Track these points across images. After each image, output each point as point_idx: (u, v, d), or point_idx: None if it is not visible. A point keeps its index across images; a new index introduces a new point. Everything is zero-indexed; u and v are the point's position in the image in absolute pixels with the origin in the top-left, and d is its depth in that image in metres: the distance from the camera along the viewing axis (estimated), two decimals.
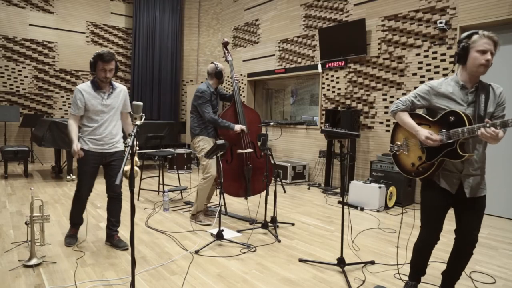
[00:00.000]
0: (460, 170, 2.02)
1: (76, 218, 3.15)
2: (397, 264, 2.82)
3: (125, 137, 3.17)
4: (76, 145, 2.82)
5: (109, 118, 2.99)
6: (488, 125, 1.80)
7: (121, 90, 3.08)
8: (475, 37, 1.94)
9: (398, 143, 2.25)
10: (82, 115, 2.95)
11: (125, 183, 3.00)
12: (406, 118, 2.15)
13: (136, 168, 2.72)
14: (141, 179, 5.15)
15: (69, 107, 8.32)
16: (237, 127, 3.71)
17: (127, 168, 2.73)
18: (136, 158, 2.80)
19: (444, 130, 1.99)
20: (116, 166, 3.03)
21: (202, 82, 3.85)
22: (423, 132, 2.03)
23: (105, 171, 3.08)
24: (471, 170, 2.00)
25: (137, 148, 3.03)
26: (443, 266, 2.33)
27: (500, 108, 1.99)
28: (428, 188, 2.13)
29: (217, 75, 3.79)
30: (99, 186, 3.12)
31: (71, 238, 3.11)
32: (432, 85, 2.09)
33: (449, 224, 2.26)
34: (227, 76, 8.38)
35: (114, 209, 3.12)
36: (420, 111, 2.19)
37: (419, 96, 2.13)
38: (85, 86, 2.93)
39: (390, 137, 2.35)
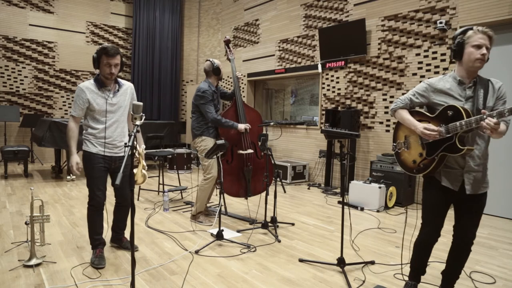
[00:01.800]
0: (462, 166, 2.02)
1: (97, 235, 2.77)
2: (394, 264, 2.82)
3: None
4: (75, 159, 2.62)
5: (116, 119, 2.75)
6: (484, 116, 1.81)
7: (128, 87, 2.84)
8: (469, 32, 1.95)
9: (400, 141, 2.26)
10: (84, 115, 2.72)
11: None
12: (405, 115, 2.18)
13: (144, 172, 2.64)
14: None
15: (69, 107, 8.32)
16: (241, 126, 3.71)
17: (135, 171, 2.71)
18: (143, 162, 2.68)
19: (443, 125, 2.00)
20: (126, 173, 2.78)
21: (204, 80, 3.83)
22: (420, 125, 2.06)
23: (112, 178, 2.81)
24: (473, 165, 2.00)
25: (143, 150, 2.93)
26: (443, 266, 2.33)
27: (500, 101, 2.00)
28: (429, 186, 2.14)
29: (215, 71, 3.76)
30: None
31: (100, 259, 2.69)
32: (430, 82, 2.11)
33: (449, 224, 2.26)
34: (228, 76, 8.38)
35: (122, 216, 2.97)
36: (421, 109, 2.20)
37: (418, 94, 2.15)
38: (88, 84, 2.66)
39: (391, 137, 2.37)
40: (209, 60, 3.80)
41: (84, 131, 2.75)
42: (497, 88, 2.01)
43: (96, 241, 2.78)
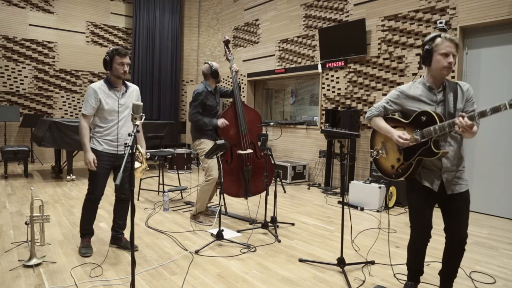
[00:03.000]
0: (439, 167, 2.08)
1: (88, 226, 2.96)
2: (394, 264, 2.82)
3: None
4: (91, 155, 2.76)
5: (124, 118, 2.90)
6: (461, 118, 1.86)
7: (134, 89, 3.02)
8: (438, 40, 2.03)
9: (377, 147, 2.34)
10: (93, 114, 2.86)
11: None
12: (380, 122, 2.26)
13: (143, 171, 2.80)
14: (141, 179, 5.16)
15: (69, 107, 8.32)
16: (219, 122, 3.68)
17: (137, 166, 2.86)
18: (146, 164, 2.84)
19: (418, 130, 2.06)
20: (129, 169, 2.94)
21: (201, 82, 3.84)
22: (396, 133, 2.12)
23: (115, 174, 2.96)
24: (450, 166, 2.07)
25: (146, 154, 3.05)
26: None
27: (469, 103, 2.08)
28: (412, 188, 2.19)
29: (213, 74, 3.75)
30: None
31: (87, 248, 2.90)
32: (402, 89, 2.19)
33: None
34: (228, 76, 8.39)
35: (122, 212, 3.04)
36: (395, 115, 2.27)
37: (391, 101, 2.23)
38: (99, 85, 2.84)
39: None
40: (207, 63, 3.80)
41: (91, 130, 2.90)
42: (465, 90, 2.09)
43: (85, 230, 2.97)
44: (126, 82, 2.97)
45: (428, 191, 2.12)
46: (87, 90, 2.82)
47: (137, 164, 2.89)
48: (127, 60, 2.82)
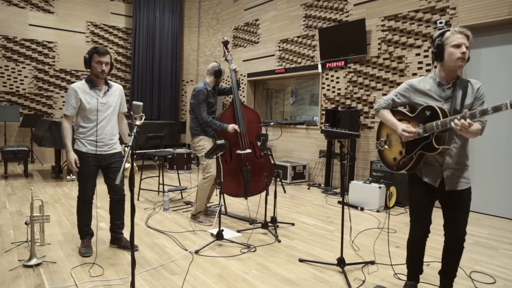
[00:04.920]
0: (441, 163, 2.08)
1: (85, 227, 2.96)
2: (394, 264, 2.82)
3: (120, 139, 3.06)
4: (73, 155, 2.76)
5: (106, 117, 2.87)
6: (459, 117, 1.86)
7: (117, 88, 2.99)
8: (447, 34, 2.02)
9: (382, 139, 2.34)
10: (76, 115, 2.86)
11: (125, 183, 3.07)
12: (387, 115, 2.26)
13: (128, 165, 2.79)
14: (141, 179, 5.16)
15: None
16: (230, 128, 3.71)
17: (127, 166, 2.86)
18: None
19: (421, 124, 2.06)
20: (118, 168, 2.91)
21: (202, 81, 3.85)
22: (400, 126, 2.13)
23: (105, 174, 2.96)
24: (451, 163, 2.07)
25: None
26: None
27: (479, 102, 2.05)
28: (413, 183, 2.20)
29: (216, 73, 3.78)
30: (98, 186, 3.07)
31: (87, 248, 2.90)
32: (411, 83, 2.19)
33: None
34: (227, 76, 8.39)
35: (118, 212, 3.04)
36: (403, 108, 2.27)
37: (399, 94, 2.23)
38: (80, 85, 2.83)
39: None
40: (216, 62, 3.86)
41: (75, 131, 2.89)
42: (476, 88, 2.06)
43: (84, 232, 2.97)
44: (109, 81, 2.95)
45: (429, 186, 2.12)
46: (68, 90, 2.82)
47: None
48: (105, 59, 2.78)
